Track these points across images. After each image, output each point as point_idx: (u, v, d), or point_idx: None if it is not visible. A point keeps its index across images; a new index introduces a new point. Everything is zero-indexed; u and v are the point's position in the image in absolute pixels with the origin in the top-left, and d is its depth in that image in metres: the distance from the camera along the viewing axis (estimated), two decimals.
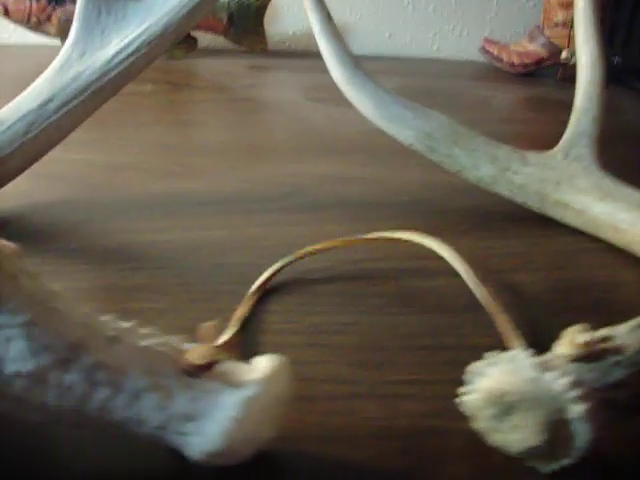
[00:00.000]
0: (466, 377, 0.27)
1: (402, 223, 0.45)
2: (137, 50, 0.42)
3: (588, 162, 0.46)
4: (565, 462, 0.26)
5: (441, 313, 0.36)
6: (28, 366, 0.23)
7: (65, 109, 0.42)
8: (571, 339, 0.26)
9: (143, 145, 0.56)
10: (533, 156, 0.47)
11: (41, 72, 0.42)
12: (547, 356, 0.26)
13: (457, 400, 0.27)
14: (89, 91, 0.42)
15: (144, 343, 0.25)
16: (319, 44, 0.47)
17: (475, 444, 0.27)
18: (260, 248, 0.42)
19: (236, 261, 0.40)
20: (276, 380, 0.26)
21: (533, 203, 0.47)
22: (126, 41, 0.43)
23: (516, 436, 0.26)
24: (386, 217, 0.46)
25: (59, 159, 0.44)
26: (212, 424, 0.24)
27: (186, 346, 0.26)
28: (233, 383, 0.25)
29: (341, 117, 0.65)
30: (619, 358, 0.26)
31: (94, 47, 0.43)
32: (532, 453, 0.26)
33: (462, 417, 0.27)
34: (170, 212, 0.46)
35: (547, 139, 0.49)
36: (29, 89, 0.41)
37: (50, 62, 0.42)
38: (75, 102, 0.42)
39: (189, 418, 0.24)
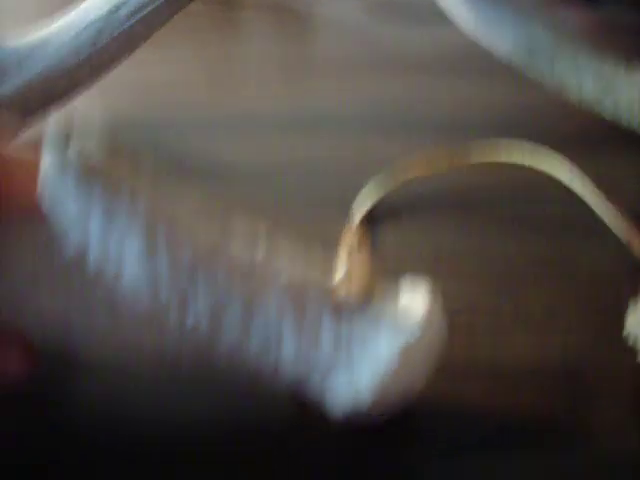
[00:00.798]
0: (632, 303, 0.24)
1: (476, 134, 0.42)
2: None
3: None
4: None
5: (572, 239, 0.33)
6: (143, 268, 0.20)
7: (138, 16, 0.37)
8: None
9: (206, 62, 0.52)
10: None
11: None
12: None
13: (621, 331, 0.25)
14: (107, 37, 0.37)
15: (286, 271, 0.22)
16: None
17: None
18: (353, 171, 0.38)
19: (330, 184, 0.37)
20: (433, 322, 0.23)
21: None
22: None
23: None
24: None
25: (116, 78, 0.39)
26: (364, 374, 0.21)
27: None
28: (388, 325, 0.22)
29: (414, 37, 0.60)
30: None
31: None
32: None
33: (624, 350, 0.25)
34: (247, 132, 0.43)
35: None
36: None
37: None
38: (149, 8, 0.37)
39: (336, 366, 0.22)
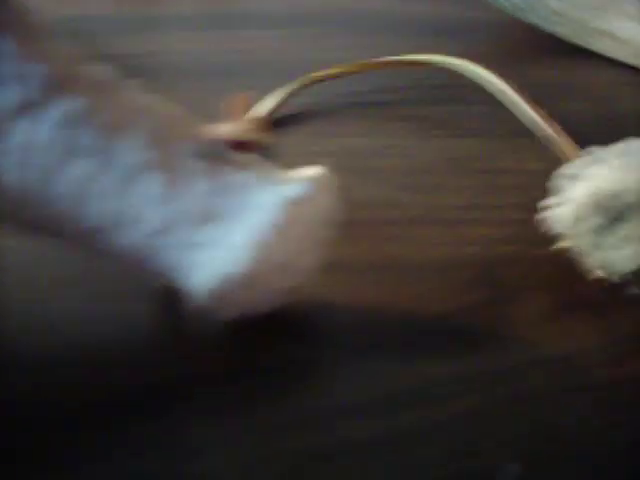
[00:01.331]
0: (555, 185, 0.21)
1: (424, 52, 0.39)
2: None
3: None
4: None
5: (490, 138, 0.30)
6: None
7: None
8: None
9: None
10: None
11: None
12: None
13: (538, 219, 0.22)
14: None
15: (150, 102, 0.18)
16: None
17: (557, 272, 0.22)
18: (268, 70, 0.35)
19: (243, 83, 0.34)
20: (323, 190, 0.19)
21: (570, 32, 0.40)
22: None
23: (627, 251, 0.20)
24: (408, 47, 0.39)
25: None
26: (238, 231, 0.17)
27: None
28: (271, 180, 0.18)
29: None
30: None
31: None
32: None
33: (540, 242, 0.22)
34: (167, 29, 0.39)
35: None
36: None
37: None
38: None
39: (204, 219, 0.17)
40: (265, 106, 0.30)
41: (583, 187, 0.20)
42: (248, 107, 0.21)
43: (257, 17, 0.41)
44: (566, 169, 0.21)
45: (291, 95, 0.31)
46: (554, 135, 0.27)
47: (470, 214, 0.25)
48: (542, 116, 0.29)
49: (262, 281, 0.18)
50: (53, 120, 0.16)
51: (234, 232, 0.17)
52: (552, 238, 0.22)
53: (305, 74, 0.32)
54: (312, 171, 0.19)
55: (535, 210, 0.22)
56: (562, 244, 0.22)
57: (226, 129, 0.19)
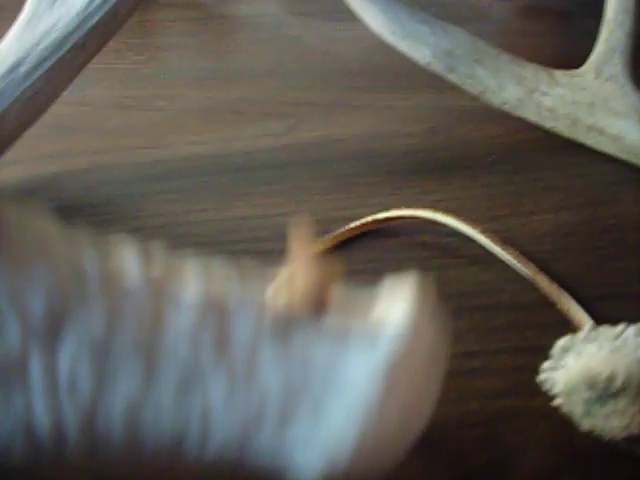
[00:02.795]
0: (553, 352, 0.23)
1: (422, 157, 0.40)
2: None
3: (623, 81, 0.42)
4: None
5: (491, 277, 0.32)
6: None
7: (39, 72, 0.32)
8: None
9: (116, 76, 0.49)
10: (562, 75, 0.42)
11: None
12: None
13: (537, 376, 0.23)
14: (67, 45, 0.32)
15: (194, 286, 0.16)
16: None
17: (557, 427, 0.24)
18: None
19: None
20: (423, 325, 0.16)
21: (563, 128, 0.42)
22: None
23: (616, 422, 0.22)
24: (404, 151, 0.41)
25: None
26: (336, 416, 0.14)
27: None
28: (358, 339, 0.15)
29: (335, 34, 0.58)
30: None
31: None
32: (631, 438, 0.22)
33: (538, 394, 0.24)
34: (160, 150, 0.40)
35: (556, 54, 0.44)
36: None
37: None
38: (51, 61, 0.32)
39: (293, 411, 0.15)
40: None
41: (576, 361, 0.22)
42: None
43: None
44: (562, 341, 0.23)
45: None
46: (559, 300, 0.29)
47: (471, 363, 0.26)
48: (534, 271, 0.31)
49: (378, 446, 0.15)
50: (71, 349, 0.14)
51: (328, 422, 0.14)
52: (549, 394, 0.23)
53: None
54: (405, 310, 0.16)
55: (530, 353, 0.24)
56: (557, 403, 0.23)
57: (292, 295, 0.16)
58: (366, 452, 0.15)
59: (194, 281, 0.16)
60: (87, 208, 0.35)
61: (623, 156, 0.41)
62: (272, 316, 0.15)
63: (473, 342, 0.27)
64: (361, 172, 0.38)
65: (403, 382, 0.15)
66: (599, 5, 0.43)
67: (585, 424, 0.23)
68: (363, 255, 0.32)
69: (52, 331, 0.14)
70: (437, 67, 0.42)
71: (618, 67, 0.42)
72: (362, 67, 0.52)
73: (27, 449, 0.15)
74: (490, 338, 0.27)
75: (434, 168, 0.39)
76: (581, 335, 0.22)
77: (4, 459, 0.15)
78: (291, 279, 0.16)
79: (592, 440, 0.23)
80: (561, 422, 0.23)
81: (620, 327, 0.22)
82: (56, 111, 0.42)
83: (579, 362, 0.22)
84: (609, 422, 0.22)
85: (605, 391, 0.22)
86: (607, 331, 0.22)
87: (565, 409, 0.23)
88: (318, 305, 0.16)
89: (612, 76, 0.42)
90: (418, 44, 0.42)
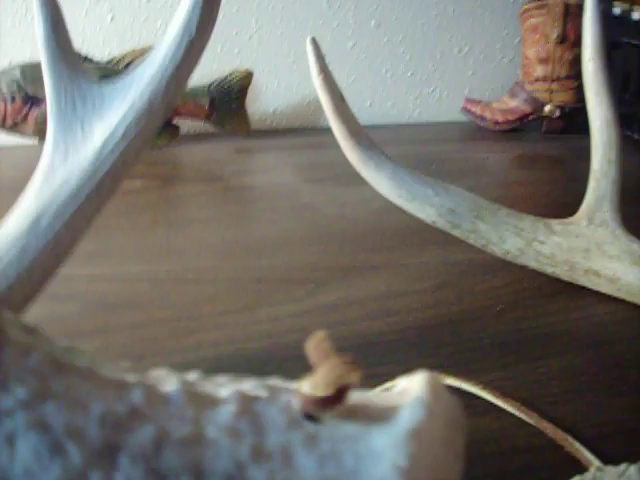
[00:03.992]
0: None
1: (433, 312, 0.43)
2: (126, 134, 0.36)
3: (613, 227, 0.45)
4: None
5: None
6: (51, 477, 0.15)
7: (60, 223, 0.35)
8: None
9: (148, 251, 0.53)
10: (557, 224, 0.46)
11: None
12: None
13: None
14: (83, 195, 0.35)
15: (227, 391, 0.17)
16: (332, 126, 0.45)
17: None
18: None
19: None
20: (439, 396, 0.17)
21: (563, 273, 0.46)
22: (111, 127, 0.36)
23: None
24: (416, 308, 0.44)
25: (62, 277, 0.37)
26: None
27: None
28: (379, 416, 0.17)
29: (346, 197, 0.63)
30: None
31: (77, 144, 0.37)
32: None
33: None
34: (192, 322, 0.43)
35: (551, 200, 0.48)
36: (16, 211, 0.35)
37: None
38: (70, 211, 0.35)
39: None
40: None
41: None
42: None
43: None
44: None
45: None
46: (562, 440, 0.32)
47: None
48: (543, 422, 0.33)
49: None
50: (126, 468, 0.15)
51: None
52: None
53: None
54: (415, 385, 0.17)
55: None
56: None
57: (317, 384, 0.17)
58: None
59: (227, 383, 0.18)
60: None
61: (620, 295, 0.44)
62: (301, 403, 0.17)
63: None
64: (378, 331, 0.41)
65: (428, 451, 0.16)
66: (589, 149, 0.47)
67: None
68: None
69: (108, 452, 0.15)
70: (442, 224, 0.46)
71: (607, 214, 0.46)
72: (373, 228, 0.56)
73: None
74: None
75: (445, 322, 0.42)
76: (588, 477, 0.24)
77: None
78: (315, 370, 0.17)
79: None
80: None
81: (623, 466, 0.24)
82: (95, 288, 0.46)
83: None
84: None
85: None
86: (612, 470, 0.24)
87: None
88: (342, 393, 0.17)
89: (603, 222, 0.46)
90: (423, 205, 0.46)
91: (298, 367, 0.37)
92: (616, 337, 0.41)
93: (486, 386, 0.35)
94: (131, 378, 0.17)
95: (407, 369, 0.36)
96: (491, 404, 0.34)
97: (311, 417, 0.17)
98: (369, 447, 0.16)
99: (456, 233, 0.46)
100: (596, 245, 0.45)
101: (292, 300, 0.45)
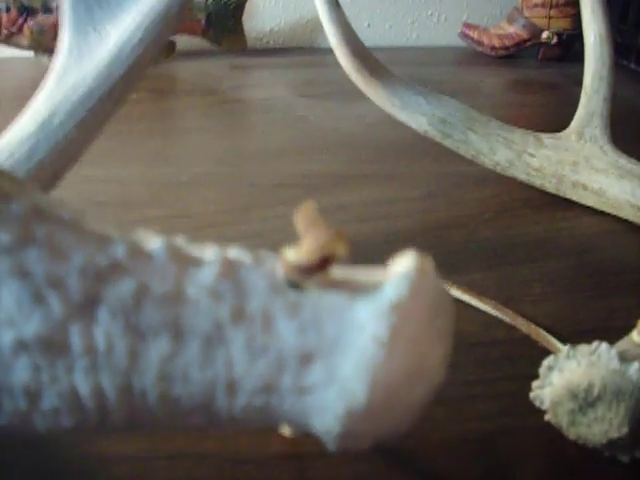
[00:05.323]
0: (540, 371, 0.26)
1: (421, 219, 0.44)
2: (142, 39, 0.35)
3: (602, 142, 0.46)
4: None
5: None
6: (32, 327, 0.15)
7: (72, 123, 0.34)
8: None
9: (144, 156, 0.54)
10: (548, 138, 0.47)
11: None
12: (624, 345, 0.26)
13: (527, 396, 0.27)
14: (97, 97, 0.35)
15: (212, 255, 0.17)
16: (327, 33, 0.45)
17: (549, 439, 0.27)
18: None
19: None
20: (422, 279, 0.16)
21: (551, 185, 0.46)
22: (128, 32, 0.35)
23: (597, 429, 0.25)
24: (404, 214, 0.45)
25: None
26: (346, 362, 0.15)
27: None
28: (363, 289, 0.16)
29: (341, 112, 0.63)
30: None
31: (92, 47, 0.36)
32: (613, 444, 0.25)
33: (532, 413, 0.27)
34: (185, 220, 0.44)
35: (544, 121, 0.49)
36: (27, 112, 0.34)
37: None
38: (82, 112, 0.35)
39: (304, 361, 0.16)
40: None
41: (559, 377, 0.25)
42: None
43: None
44: (546, 361, 0.26)
45: None
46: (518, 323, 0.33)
47: (471, 390, 0.30)
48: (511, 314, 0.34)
49: (391, 402, 0.16)
50: (106, 320, 0.15)
51: (342, 364, 0.15)
52: (540, 410, 0.27)
53: None
54: (402, 263, 0.17)
55: (522, 380, 0.27)
56: (547, 417, 0.26)
57: (302, 251, 0.16)
58: (378, 407, 0.15)
59: (212, 248, 0.17)
60: None
61: (606, 209, 0.45)
62: (285, 269, 0.16)
63: (472, 372, 0.30)
64: (365, 234, 0.42)
65: (409, 326, 0.15)
66: (583, 75, 0.47)
67: (572, 434, 0.26)
68: None
69: (88, 305, 0.15)
70: (433, 134, 0.46)
71: (597, 129, 0.46)
72: (366, 141, 0.57)
73: (73, 417, 0.16)
74: (487, 369, 0.31)
75: (432, 228, 0.43)
76: (562, 354, 0.26)
77: (53, 427, 0.16)
78: (301, 239, 0.17)
79: (580, 448, 0.26)
80: (552, 435, 0.26)
81: (595, 344, 0.25)
82: (89, 187, 0.46)
83: (562, 378, 0.25)
84: (591, 429, 0.25)
85: (585, 401, 0.25)
86: (584, 348, 0.25)
87: (554, 421, 0.26)
88: (326, 261, 0.16)
89: (592, 137, 0.46)
90: (415, 114, 0.46)
91: None
92: (599, 246, 0.42)
93: (465, 286, 0.36)
94: (115, 234, 0.17)
95: None
96: (470, 305, 0.35)
97: (294, 284, 0.16)
98: (351, 318, 0.16)
99: (447, 143, 0.47)
100: (584, 159, 0.45)
101: (282, 203, 0.45)
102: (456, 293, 0.35)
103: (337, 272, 0.17)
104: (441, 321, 0.17)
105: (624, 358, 0.24)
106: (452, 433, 0.27)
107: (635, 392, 0.24)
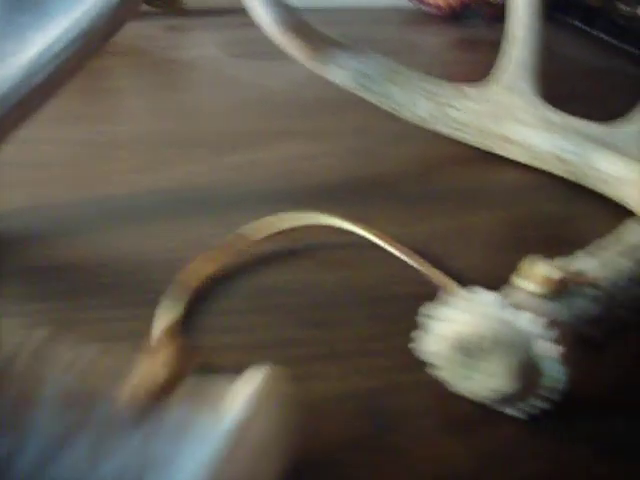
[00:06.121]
0: (421, 322, 0.25)
1: (340, 175, 0.43)
2: (68, 46, 0.33)
3: (529, 93, 0.44)
4: (540, 405, 0.24)
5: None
6: None
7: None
8: (538, 273, 0.24)
9: (63, 116, 0.51)
10: (472, 90, 0.45)
11: None
12: (511, 293, 0.24)
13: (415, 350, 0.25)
14: (9, 104, 0.33)
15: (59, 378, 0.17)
16: None
17: (442, 395, 0.25)
18: None
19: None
20: (271, 397, 0.18)
21: (476, 139, 0.45)
22: (52, 37, 0.33)
23: (485, 382, 0.24)
24: (322, 170, 0.43)
25: None
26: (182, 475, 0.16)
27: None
28: (198, 424, 0.17)
29: (269, 70, 0.61)
30: (595, 292, 0.24)
31: (12, 52, 0.34)
32: (504, 399, 0.24)
33: (425, 369, 0.25)
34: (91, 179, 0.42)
35: (484, 78, 0.47)
36: None
37: None
38: None
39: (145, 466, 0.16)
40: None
41: (445, 327, 0.24)
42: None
43: None
44: (431, 309, 0.24)
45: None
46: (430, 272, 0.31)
47: (366, 345, 0.28)
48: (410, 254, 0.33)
49: None
50: None
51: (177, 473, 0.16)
52: (427, 365, 0.25)
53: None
54: (250, 381, 0.18)
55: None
56: (434, 371, 0.25)
57: (145, 377, 0.17)
58: None
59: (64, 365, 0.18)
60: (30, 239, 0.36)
61: (532, 163, 0.43)
62: (126, 405, 0.17)
63: (370, 327, 0.29)
64: (279, 188, 0.40)
65: (244, 448, 0.17)
66: None
67: (461, 388, 0.24)
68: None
69: None
70: (354, 88, 0.44)
71: (524, 80, 0.45)
72: (292, 98, 0.55)
73: None
74: (385, 324, 0.29)
75: (353, 184, 0.41)
76: (448, 302, 0.24)
77: None
78: (141, 371, 0.18)
79: (474, 404, 0.24)
80: (442, 390, 0.25)
81: (483, 292, 0.23)
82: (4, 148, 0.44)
83: (449, 329, 0.24)
84: (482, 384, 0.24)
85: (473, 354, 0.23)
86: (473, 296, 0.24)
87: (442, 375, 0.25)
88: (163, 395, 0.17)
89: (519, 89, 0.44)
90: (335, 67, 0.44)
91: (184, 219, 0.37)
92: (523, 202, 0.41)
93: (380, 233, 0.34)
94: None
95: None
96: (384, 252, 0.33)
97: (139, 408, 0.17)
98: (191, 436, 0.16)
99: (369, 97, 0.45)
100: (510, 111, 0.44)
101: (194, 161, 0.44)
102: (371, 237, 0.34)
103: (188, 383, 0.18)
104: (277, 442, 0.18)
105: (513, 306, 0.23)
106: (341, 390, 0.26)
107: (525, 344, 0.22)
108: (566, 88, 0.58)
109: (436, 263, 0.33)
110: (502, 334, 0.23)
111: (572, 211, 0.40)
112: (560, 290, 0.23)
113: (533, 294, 0.23)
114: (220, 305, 0.30)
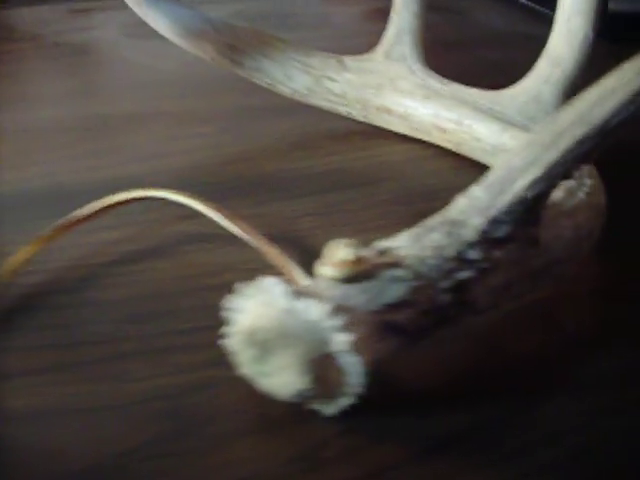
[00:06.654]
0: (224, 315, 0.22)
1: (212, 153, 0.40)
2: None
3: (411, 61, 0.42)
4: (346, 402, 0.21)
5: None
6: None
7: None
8: (336, 257, 0.21)
9: None
10: (352, 60, 0.42)
11: None
12: (311, 280, 0.22)
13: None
14: None
15: None
16: None
17: (247, 393, 0.23)
18: None
19: None
20: None
21: (356, 112, 0.42)
22: None
23: (282, 379, 0.21)
24: (190, 150, 0.41)
25: None
26: None
27: None
28: None
29: (163, 51, 0.58)
30: (399, 272, 0.21)
31: None
32: (306, 396, 0.21)
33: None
34: None
35: None
36: None
37: None
38: None
39: None
40: None
41: (240, 320, 0.21)
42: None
43: None
44: (230, 301, 0.22)
45: None
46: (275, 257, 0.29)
47: (179, 340, 0.26)
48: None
49: None
50: None
51: None
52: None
53: None
54: None
55: None
56: (238, 368, 0.22)
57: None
58: None
59: None
60: None
61: (415, 134, 0.41)
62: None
63: (185, 322, 0.27)
64: (139, 172, 0.38)
65: None
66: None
67: (262, 385, 0.22)
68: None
69: None
70: (223, 63, 0.42)
71: (406, 48, 0.42)
72: (177, 78, 0.52)
73: None
74: (205, 316, 0.27)
75: (219, 163, 0.39)
76: (245, 292, 0.21)
77: None
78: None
79: (283, 402, 0.22)
80: (251, 388, 0.23)
81: (267, 279, 0.21)
82: None
83: (242, 321, 0.21)
84: (277, 380, 0.21)
85: (263, 347, 0.21)
86: (261, 285, 0.21)
87: (244, 373, 0.22)
88: None
89: (400, 57, 0.42)
90: (202, 42, 0.41)
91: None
92: (405, 174, 0.39)
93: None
94: None
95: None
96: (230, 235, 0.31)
97: None
98: None
99: (240, 71, 0.42)
100: (389, 81, 0.41)
101: (62, 147, 0.41)
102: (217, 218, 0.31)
103: None
104: None
105: (302, 294, 0.20)
106: (145, 391, 0.23)
107: (315, 335, 0.20)
108: (479, 56, 0.56)
109: (294, 246, 0.31)
110: (288, 325, 0.20)
111: (455, 183, 0.38)
112: (358, 273, 0.21)
113: (330, 279, 0.21)
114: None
